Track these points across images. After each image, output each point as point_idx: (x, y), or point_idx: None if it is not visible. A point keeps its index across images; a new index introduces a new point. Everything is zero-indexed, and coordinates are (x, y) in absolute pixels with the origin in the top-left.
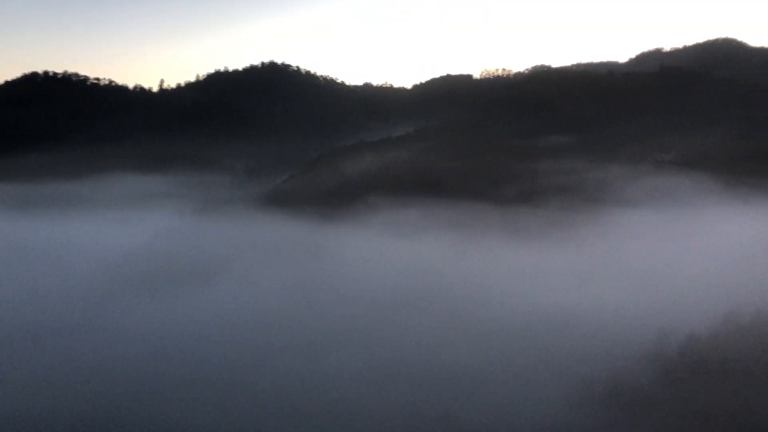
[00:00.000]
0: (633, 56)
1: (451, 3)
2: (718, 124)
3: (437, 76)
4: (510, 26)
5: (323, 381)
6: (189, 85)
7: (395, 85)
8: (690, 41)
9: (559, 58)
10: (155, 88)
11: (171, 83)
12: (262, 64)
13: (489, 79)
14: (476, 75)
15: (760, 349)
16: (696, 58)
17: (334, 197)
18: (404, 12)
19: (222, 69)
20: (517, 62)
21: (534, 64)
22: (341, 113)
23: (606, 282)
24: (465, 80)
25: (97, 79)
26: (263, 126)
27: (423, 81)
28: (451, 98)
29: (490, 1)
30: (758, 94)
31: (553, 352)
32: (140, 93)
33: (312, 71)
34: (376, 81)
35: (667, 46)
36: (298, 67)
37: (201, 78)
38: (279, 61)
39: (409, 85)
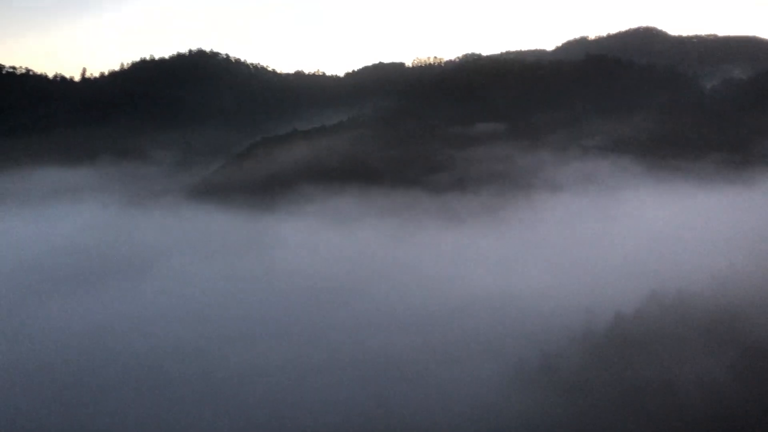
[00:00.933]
0: (560, 44)
1: None
2: (639, 110)
3: (370, 64)
4: (441, 13)
5: (258, 371)
6: (113, 74)
7: (328, 73)
8: (613, 29)
9: (489, 46)
10: (77, 77)
11: (94, 72)
12: (190, 51)
13: (421, 67)
14: (408, 63)
15: (683, 326)
16: (619, 46)
17: (267, 187)
18: None
19: (148, 57)
20: (449, 50)
21: (465, 52)
22: (273, 102)
23: (536, 264)
24: (398, 68)
25: (13, 67)
26: (192, 115)
27: (356, 69)
28: (384, 86)
29: None
30: (676, 80)
31: (487, 334)
32: (61, 82)
33: (242, 59)
34: (308, 69)
35: (592, 34)
36: (227, 54)
37: (126, 66)
38: (207, 48)
39: (341, 73)
